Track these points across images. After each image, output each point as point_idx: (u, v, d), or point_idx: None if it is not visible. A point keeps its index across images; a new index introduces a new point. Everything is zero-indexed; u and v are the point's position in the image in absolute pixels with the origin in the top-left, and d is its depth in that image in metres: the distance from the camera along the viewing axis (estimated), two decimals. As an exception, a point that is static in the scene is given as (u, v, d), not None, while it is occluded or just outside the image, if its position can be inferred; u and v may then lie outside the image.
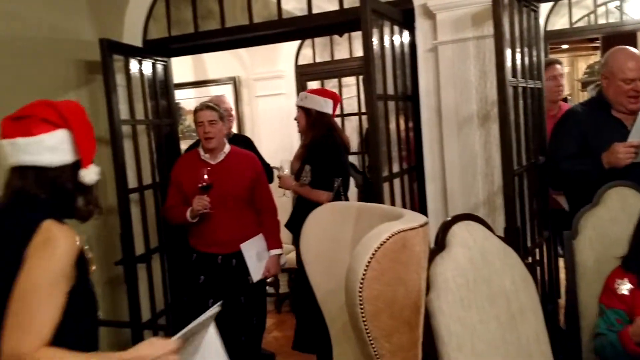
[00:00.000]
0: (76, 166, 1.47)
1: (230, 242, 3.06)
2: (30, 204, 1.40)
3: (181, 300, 3.38)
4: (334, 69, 5.53)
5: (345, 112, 5.57)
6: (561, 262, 2.90)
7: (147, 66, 3.59)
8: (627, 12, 4.87)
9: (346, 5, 3.20)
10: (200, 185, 2.93)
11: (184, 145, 4.01)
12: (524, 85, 2.73)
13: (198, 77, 5.96)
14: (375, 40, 2.63)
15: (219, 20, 3.48)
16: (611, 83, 2.70)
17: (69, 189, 1.45)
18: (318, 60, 5.67)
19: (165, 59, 3.75)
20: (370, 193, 4.77)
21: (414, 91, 3.10)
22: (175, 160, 3.38)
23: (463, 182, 2.92)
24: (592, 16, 4.92)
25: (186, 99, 5.79)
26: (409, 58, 3.07)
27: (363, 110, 5.40)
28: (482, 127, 2.87)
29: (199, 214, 2.98)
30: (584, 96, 9.00)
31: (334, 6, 3.31)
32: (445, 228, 2.02)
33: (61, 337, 1.31)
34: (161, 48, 3.66)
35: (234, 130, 4.49)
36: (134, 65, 3.45)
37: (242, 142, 4.02)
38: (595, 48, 8.69)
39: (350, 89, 5.67)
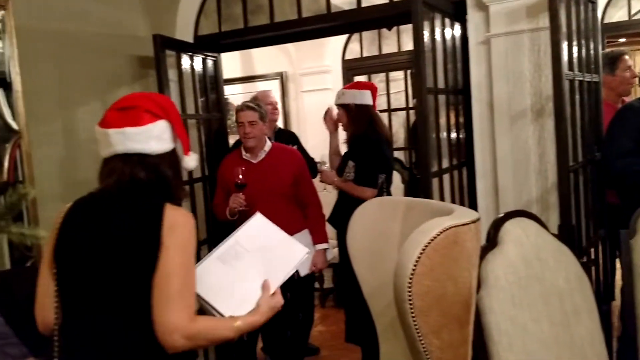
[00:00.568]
0: (173, 154, 1.56)
1: None
2: (146, 189, 1.50)
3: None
4: (382, 64, 5.48)
5: (393, 107, 5.52)
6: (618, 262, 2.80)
7: (198, 62, 3.65)
8: (690, 3, 4.64)
9: (396, -2, 3.17)
10: (235, 183, 2.96)
11: (231, 140, 4.06)
12: (581, 78, 2.65)
13: (246, 73, 6.02)
14: (425, 33, 2.59)
15: (268, 15, 3.50)
16: None
17: (169, 175, 1.54)
18: (365, 54, 5.63)
19: (215, 55, 3.80)
20: (417, 189, 4.75)
21: (464, 85, 3.04)
22: (224, 154, 3.42)
23: (515, 179, 2.85)
24: (652, 8, 4.71)
25: (234, 95, 5.86)
26: (460, 51, 3.01)
27: (410, 105, 5.34)
28: (536, 121, 2.79)
29: (237, 211, 3.00)
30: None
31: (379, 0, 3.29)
32: (497, 225, 1.97)
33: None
34: (212, 44, 3.72)
35: (280, 125, 4.51)
36: (185, 60, 3.51)
37: (287, 137, 4.05)
38: (655, 42, 8.31)
39: (398, 83, 5.61)
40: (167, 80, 3.26)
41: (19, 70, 2.64)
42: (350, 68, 5.61)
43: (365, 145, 3.19)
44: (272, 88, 5.70)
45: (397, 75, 5.60)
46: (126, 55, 3.35)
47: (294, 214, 3.15)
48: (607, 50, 3.73)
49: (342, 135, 3.54)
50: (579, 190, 2.59)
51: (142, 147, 1.49)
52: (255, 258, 1.63)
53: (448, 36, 2.91)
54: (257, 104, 3.21)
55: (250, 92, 5.85)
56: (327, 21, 3.38)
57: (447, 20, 2.89)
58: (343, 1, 3.72)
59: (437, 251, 1.54)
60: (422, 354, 1.56)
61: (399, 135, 5.91)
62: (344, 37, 5.50)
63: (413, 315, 1.54)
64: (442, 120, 2.85)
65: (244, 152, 3.15)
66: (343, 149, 3.48)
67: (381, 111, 5.51)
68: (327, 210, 3.37)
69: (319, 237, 3.19)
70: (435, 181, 2.68)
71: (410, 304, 1.53)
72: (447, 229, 1.56)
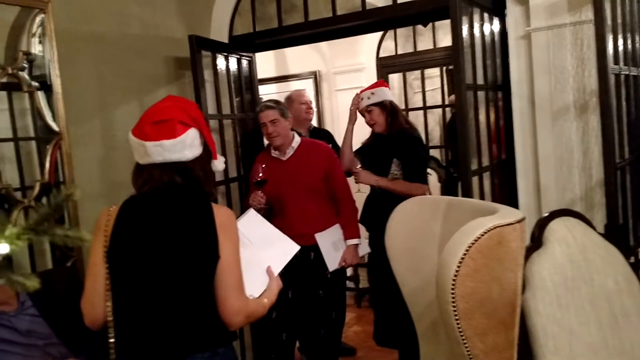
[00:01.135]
0: (202, 158, 1.70)
1: (308, 234, 3.00)
2: (184, 191, 1.65)
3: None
4: (417, 61, 5.40)
5: (428, 104, 5.45)
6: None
7: (232, 62, 3.66)
8: None
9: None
10: (255, 181, 2.94)
11: (265, 139, 4.06)
12: (627, 72, 2.55)
13: (279, 73, 6.02)
14: (464, 29, 2.54)
15: (302, 14, 3.49)
16: None
17: (201, 176, 1.68)
18: (400, 52, 5.56)
19: (250, 54, 3.80)
20: (454, 188, 4.67)
21: (504, 80, 2.97)
22: (258, 154, 3.42)
23: (558, 177, 2.77)
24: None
25: (268, 94, 5.87)
26: (499, 46, 2.94)
27: (447, 102, 5.26)
28: (580, 117, 2.70)
29: (258, 209, 2.98)
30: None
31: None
32: (542, 224, 1.92)
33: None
34: (246, 43, 3.72)
35: (314, 124, 4.49)
36: (220, 61, 3.52)
37: (322, 136, 4.02)
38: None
39: (434, 80, 5.53)
40: (203, 80, 3.28)
41: (59, 73, 2.68)
42: (385, 65, 5.54)
43: (410, 141, 3.11)
44: (306, 87, 5.68)
45: (433, 73, 5.51)
46: (162, 56, 3.38)
47: (326, 210, 3.09)
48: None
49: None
50: (626, 188, 2.50)
51: (178, 156, 1.63)
52: (257, 248, 1.86)
53: (487, 31, 2.85)
54: (276, 101, 3.16)
55: (284, 91, 5.85)
56: (362, 18, 3.34)
57: (485, 15, 2.82)
58: (378, -1, 3.69)
59: (481, 252, 1.50)
60: (466, 358, 1.53)
61: (435, 133, 5.83)
62: (378, 34, 5.43)
63: (456, 317, 1.50)
64: (482, 117, 2.78)
65: (272, 150, 3.14)
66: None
67: (417, 109, 5.46)
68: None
69: (350, 232, 3.10)
70: (475, 180, 2.62)
71: (454, 306, 1.49)
72: (492, 229, 1.52)
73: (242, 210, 3.61)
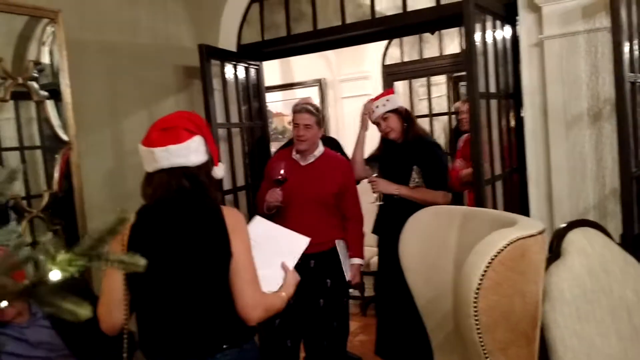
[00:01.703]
0: (207, 164, 1.77)
1: (310, 243, 2.98)
2: (192, 196, 1.71)
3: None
4: (423, 68, 5.40)
5: (434, 111, 5.43)
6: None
7: (240, 70, 3.65)
8: None
9: (442, 1, 3.09)
10: (274, 179, 2.92)
11: (272, 147, 4.04)
12: (641, 80, 2.52)
13: (285, 80, 6.02)
14: (477, 37, 2.52)
15: (311, 23, 3.47)
16: None
17: (206, 182, 1.75)
18: (406, 59, 5.56)
19: (257, 63, 3.79)
20: (460, 196, 4.64)
21: (515, 88, 2.95)
22: (266, 162, 3.39)
23: (571, 185, 2.74)
24: None
25: (273, 102, 5.86)
26: (511, 54, 2.92)
27: (452, 109, 5.24)
28: (593, 126, 2.68)
29: (273, 207, 2.96)
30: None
31: (426, 3, 3.21)
32: (560, 235, 1.89)
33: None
34: (254, 52, 3.71)
35: (321, 132, 4.46)
36: (229, 69, 3.51)
37: (329, 144, 3.99)
38: None
39: (440, 87, 5.53)
40: (212, 89, 3.27)
41: (69, 82, 2.67)
42: (391, 73, 5.54)
43: (430, 148, 3.07)
44: (311, 95, 5.68)
45: (439, 80, 5.51)
46: (171, 66, 3.37)
47: (327, 223, 3.02)
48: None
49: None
50: (640, 197, 2.47)
51: (183, 160, 1.70)
52: (267, 248, 1.91)
53: (499, 39, 2.83)
54: (317, 108, 3.11)
55: (289, 99, 5.85)
56: (372, 27, 3.33)
57: (497, 22, 2.80)
58: (386, 7, 3.67)
59: (504, 264, 1.47)
60: (489, 372, 1.50)
61: (440, 140, 5.81)
62: (384, 42, 5.43)
63: (479, 331, 1.47)
64: (494, 126, 2.76)
65: (294, 153, 3.10)
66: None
67: (423, 116, 5.44)
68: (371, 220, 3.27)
69: (355, 251, 3.07)
70: (488, 189, 2.59)
71: (476, 320, 1.46)
72: (514, 241, 1.50)
73: (252, 216, 3.58)
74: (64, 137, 2.69)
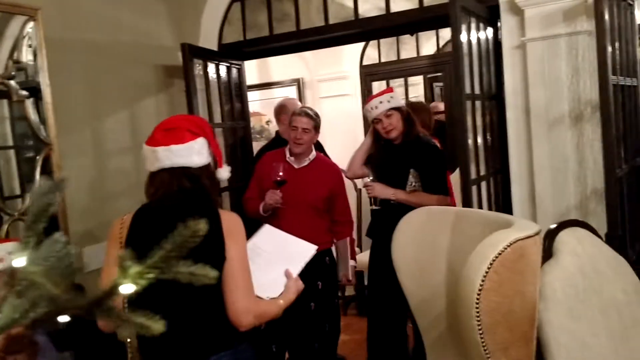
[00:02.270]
0: (210, 166, 1.77)
1: None
2: (193, 196, 1.71)
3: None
4: (400, 69, 5.43)
5: (412, 112, 5.47)
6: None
7: (222, 70, 3.61)
8: None
9: (425, 3, 3.11)
10: (274, 180, 2.90)
11: (255, 147, 4.01)
12: (622, 83, 2.59)
13: (262, 80, 5.97)
14: (462, 39, 2.54)
15: (294, 23, 3.46)
16: None
17: (207, 184, 1.75)
18: (384, 60, 5.58)
19: (239, 62, 3.76)
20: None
21: (497, 90, 2.99)
22: (248, 163, 3.37)
23: (553, 185, 2.79)
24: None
25: (251, 102, 5.81)
26: (493, 55, 2.96)
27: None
28: (575, 127, 2.73)
29: (271, 208, 2.95)
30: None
31: (406, 5, 3.22)
32: (551, 235, 1.92)
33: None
34: (236, 51, 3.68)
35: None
36: (211, 69, 3.47)
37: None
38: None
39: (417, 88, 5.57)
40: (196, 89, 3.23)
41: (49, 82, 2.60)
42: (369, 74, 5.55)
43: (428, 149, 3.01)
44: (289, 94, 5.65)
45: (416, 80, 5.55)
46: (152, 65, 3.32)
47: (321, 226, 3.04)
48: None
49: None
50: (624, 197, 2.53)
51: (185, 161, 1.70)
52: (272, 254, 1.91)
53: (482, 40, 2.86)
54: (316, 113, 3.11)
55: (266, 98, 5.81)
56: (355, 27, 3.34)
57: (481, 25, 2.83)
58: (369, 8, 3.68)
59: (504, 266, 1.49)
60: (490, 373, 1.51)
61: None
62: (362, 42, 5.44)
63: (481, 332, 1.48)
64: (479, 127, 2.79)
65: (288, 155, 3.09)
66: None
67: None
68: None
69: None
70: (473, 189, 2.62)
71: (478, 321, 1.48)
72: (514, 243, 1.51)
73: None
74: (45, 137, 2.62)
